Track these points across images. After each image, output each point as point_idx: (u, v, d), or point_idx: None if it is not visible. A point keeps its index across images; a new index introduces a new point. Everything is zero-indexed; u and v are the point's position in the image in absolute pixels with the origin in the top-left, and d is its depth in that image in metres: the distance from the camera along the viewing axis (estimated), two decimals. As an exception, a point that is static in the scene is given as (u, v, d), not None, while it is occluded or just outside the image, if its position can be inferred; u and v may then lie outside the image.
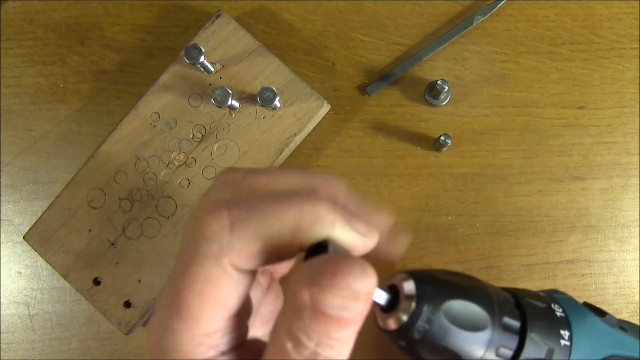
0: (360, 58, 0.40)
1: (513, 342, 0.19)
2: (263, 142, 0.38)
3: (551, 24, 0.40)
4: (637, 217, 0.39)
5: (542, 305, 0.20)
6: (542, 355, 0.19)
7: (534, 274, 0.39)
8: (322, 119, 0.40)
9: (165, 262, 0.37)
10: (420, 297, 0.17)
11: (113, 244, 0.37)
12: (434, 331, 0.17)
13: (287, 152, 0.38)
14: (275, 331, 0.16)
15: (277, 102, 0.36)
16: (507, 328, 0.19)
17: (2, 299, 0.40)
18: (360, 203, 0.19)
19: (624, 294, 0.39)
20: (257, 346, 0.19)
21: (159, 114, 0.38)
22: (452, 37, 0.39)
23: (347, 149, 0.40)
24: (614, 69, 0.40)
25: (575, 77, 0.40)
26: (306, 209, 0.16)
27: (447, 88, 0.38)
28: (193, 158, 0.38)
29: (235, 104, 0.37)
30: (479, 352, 0.18)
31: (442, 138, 0.37)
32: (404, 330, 0.17)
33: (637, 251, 0.39)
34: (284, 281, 0.19)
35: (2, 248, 0.40)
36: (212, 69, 0.37)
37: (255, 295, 0.21)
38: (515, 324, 0.19)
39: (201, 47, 0.35)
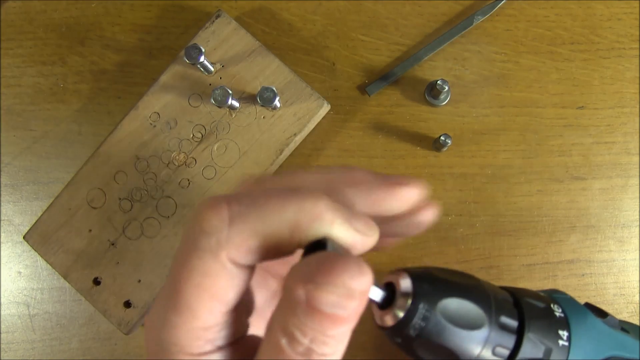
0: (360, 58, 0.40)
1: (510, 341, 0.19)
2: (263, 142, 0.38)
3: (551, 24, 0.40)
4: (637, 217, 0.39)
5: (541, 305, 0.20)
6: (540, 355, 0.19)
7: (534, 274, 0.39)
8: (322, 119, 0.40)
9: (165, 262, 0.37)
10: (416, 294, 0.17)
11: (113, 244, 0.37)
12: (430, 328, 0.17)
13: (287, 152, 0.38)
14: (270, 327, 0.16)
15: (277, 102, 0.36)
16: (504, 327, 0.19)
17: (2, 299, 0.40)
18: (386, 177, 0.19)
19: (624, 294, 0.39)
20: (255, 342, 0.19)
21: (159, 114, 0.38)
22: (452, 37, 0.39)
23: (347, 149, 0.40)
24: (614, 69, 0.40)
25: (575, 77, 0.40)
26: (306, 206, 0.16)
27: (447, 88, 0.38)
28: (193, 158, 0.38)
29: (235, 104, 0.37)
30: (476, 350, 0.18)
31: (442, 138, 0.37)
32: (400, 327, 0.17)
33: (637, 251, 0.39)
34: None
35: (2, 248, 0.40)
36: (212, 69, 0.37)
37: (261, 296, 0.21)
38: (513, 323, 0.19)
39: (201, 47, 0.35)
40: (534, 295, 0.21)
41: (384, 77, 0.39)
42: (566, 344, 0.20)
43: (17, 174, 0.40)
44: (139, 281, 0.37)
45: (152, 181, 0.38)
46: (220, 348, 0.17)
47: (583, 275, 0.39)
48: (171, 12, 0.41)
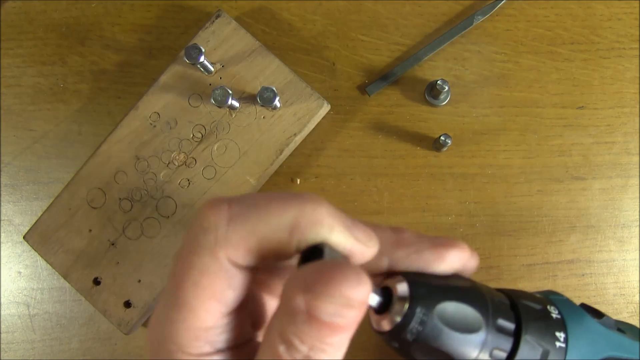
0: (360, 58, 0.40)
1: (507, 343, 0.19)
2: (263, 142, 0.38)
3: (551, 24, 0.40)
4: (637, 217, 0.39)
5: (538, 306, 0.20)
6: (537, 357, 0.19)
7: (534, 274, 0.39)
8: (322, 119, 0.40)
9: (166, 262, 0.37)
10: (413, 298, 0.17)
11: (113, 244, 0.37)
12: (427, 332, 0.17)
13: (287, 152, 0.38)
14: (268, 333, 0.16)
15: (277, 102, 0.36)
16: (501, 330, 0.18)
17: (2, 299, 0.40)
18: (434, 240, 0.19)
19: (624, 294, 0.39)
20: (255, 348, 0.19)
21: (159, 114, 0.38)
22: (452, 37, 0.39)
23: (347, 149, 0.40)
24: (614, 69, 0.40)
25: (575, 77, 0.40)
26: (307, 209, 0.16)
27: (447, 88, 0.38)
28: (193, 158, 0.38)
29: (235, 104, 0.37)
30: (473, 353, 0.18)
31: (442, 138, 0.37)
32: (397, 331, 0.17)
33: (637, 251, 0.39)
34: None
35: (2, 248, 0.40)
36: (212, 69, 0.37)
37: (270, 304, 0.21)
38: (510, 325, 0.19)
39: (201, 47, 0.35)
40: (531, 297, 0.21)
41: (384, 77, 0.39)
42: (563, 345, 0.20)
43: (17, 174, 0.40)
44: (139, 281, 0.37)
45: (152, 181, 0.38)
46: (219, 351, 0.17)
47: (583, 275, 0.39)
48: (171, 12, 0.41)
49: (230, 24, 0.38)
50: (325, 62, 0.40)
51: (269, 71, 0.38)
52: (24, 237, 0.37)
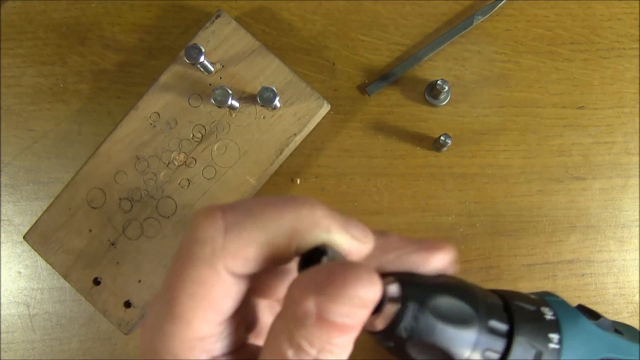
0: (360, 58, 0.40)
1: (500, 344, 0.19)
2: (263, 142, 0.38)
3: (551, 24, 0.40)
4: (637, 217, 0.39)
5: (532, 308, 0.20)
6: (530, 358, 0.19)
7: (534, 274, 0.39)
8: (322, 119, 0.40)
9: (165, 262, 0.37)
10: (405, 297, 0.17)
11: (113, 244, 0.37)
12: (420, 328, 0.17)
13: (287, 152, 0.38)
14: (272, 338, 0.15)
15: (277, 102, 0.36)
16: (493, 331, 0.18)
17: (2, 299, 0.40)
18: (420, 243, 0.20)
19: (624, 294, 0.39)
20: (253, 351, 0.19)
21: (159, 114, 0.38)
22: (452, 37, 0.39)
23: (347, 149, 0.40)
24: (614, 69, 0.40)
25: (575, 77, 0.40)
26: (303, 213, 0.16)
27: (447, 88, 0.38)
28: (193, 158, 0.38)
29: (235, 104, 0.37)
30: (465, 353, 0.18)
31: (442, 138, 0.37)
32: (391, 329, 0.17)
33: (637, 251, 0.39)
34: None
35: (2, 248, 0.40)
36: (212, 69, 0.37)
37: (268, 316, 0.21)
38: (502, 326, 0.19)
39: (201, 47, 0.35)
40: (525, 298, 0.21)
41: (384, 77, 0.39)
42: (557, 347, 0.20)
43: (17, 174, 0.40)
44: (139, 281, 0.37)
45: (152, 181, 0.38)
46: (216, 358, 0.17)
47: (583, 275, 0.39)
48: (171, 12, 0.41)
49: (230, 24, 0.38)
50: (325, 62, 0.40)
51: (269, 71, 0.38)
52: (24, 237, 0.37)
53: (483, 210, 0.39)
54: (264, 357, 0.16)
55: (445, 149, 0.39)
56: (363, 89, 0.40)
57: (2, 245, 0.40)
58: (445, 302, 0.18)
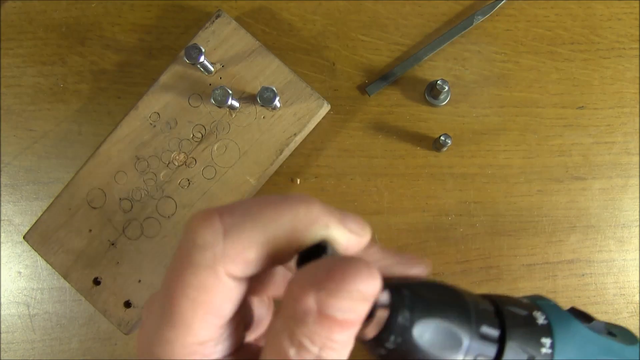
0: (360, 58, 0.40)
1: (491, 350, 0.18)
2: (263, 142, 0.38)
3: (551, 24, 0.40)
4: (637, 217, 0.39)
5: (524, 312, 0.20)
6: None
7: (534, 274, 0.39)
8: (322, 119, 0.40)
9: (165, 262, 0.37)
10: (395, 304, 0.17)
11: (113, 244, 0.37)
12: (411, 335, 0.17)
13: (287, 152, 0.38)
14: (273, 337, 0.15)
15: (277, 102, 0.36)
16: (485, 337, 0.18)
17: (2, 299, 0.40)
18: (400, 257, 0.20)
19: (624, 294, 0.39)
20: (250, 351, 0.19)
21: (159, 114, 0.38)
22: (452, 37, 0.39)
23: (347, 149, 0.40)
24: (614, 69, 0.40)
25: (575, 77, 0.40)
26: (300, 211, 0.16)
27: (447, 88, 0.38)
28: (193, 158, 0.38)
29: (235, 104, 0.37)
30: (457, 358, 0.18)
31: (442, 138, 0.37)
32: (382, 337, 0.17)
33: (637, 251, 0.39)
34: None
35: (2, 248, 0.40)
36: (212, 69, 0.37)
37: (260, 310, 0.21)
38: (494, 332, 0.19)
39: (201, 47, 0.35)
40: (517, 302, 0.21)
41: (384, 77, 0.39)
42: (549, 351, 0.20)
43: (17, 174, 0.40)
44: (139, 281, 0.37)
45: (152, 181, 0.38)
46: None
47: (583, 275, 0.39)
48: (171, 12, 0.41)
49: (230, 24, 0.38)
50: (325, 62, 0.40)
51: (269, 71, 0.38)
52: (24, 237, 0.37)
53: (483, 210, 0.39)
54: (266, 358, 0.16)
55: (445, 149, 0.39)
56: (363, 89, 0.40)
57: (2, 245, 0.40)
58: (437, 311, 0.18)
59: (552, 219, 0.39)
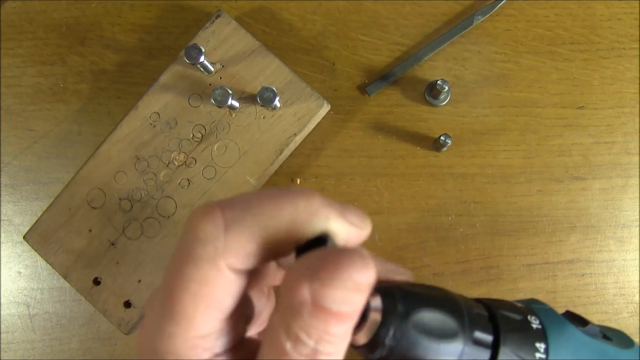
0: (360, 58, 0.40)
1: (485, 356, 0.18)
2: (263, 142, 0.38)
3: (551, 24, 0.40)
4: (637, 217, 0.39)
5: (518, 317, 0.20)
6: None
7: (534, 274, 0.39)
8: (322, 119, 0.40)
9: (166, 262, 0.37)
10: (387, 308, 0.17)
11: (113, 244, 0.37)
12: (403, 343, 0.17)
13: (287, 152, 0.38)
14: (270, 332, 0.15)
15: (277, 102, 0.36)
16: (478, 342, 0.18)
17: (2, 299, 0.40)
18: (387, 265, 0.20)
19: (624, 294, 0.39)
20: (251, 345, 0.19)
21: (159, 114, 0.38)
22: (452, 37, 0.39)
23: (347, 149, 0.40)
24: (614, 69, 0.40)
25: (575, 77, 0.40)
26: (300, 204, 0.16)
27: (447, 88, 0.38)
28: (193, 158, 0.38)
29: (235, 104, 0.37)
30: None
31: (442, 138, 0.37)
32: (375, 342, 0.17)
33: (637, 251, 0.39)
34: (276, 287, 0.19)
35: (2, 248, 0.40)
36: (212, 69, 0.37)
37: (259, 303, 0.21)
38: (487, 337, 0.19)
39: (201, 47, 0.35)
40: (511, 307, 0.21)
41: (384, 77, 0.39)
42: (543, 356, 0.20)
43: (17, 174, 0.40)
44: (139, 281, 0.37)
45: (152, 181, 0.38)
46: (218, 355, 0.17)
47: (583, 275, 0.39)
48: (171, 12, 0.41)
49: (230, 24, 0.38)
50: (325, 62, 0.40)
51: (269, 71, 0.38)
52: (24, 237, 0.37)
53: (483, 210, 0.39)
54: (263, 351, 0.16)
55: (445, 149, 0.39)
56: (363, 89, 0.40)
57: (2, 245, 0.40)
58: (429, 317, 0.18)
59: (552, 219, 0.39)
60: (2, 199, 0.40)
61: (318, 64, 0.40)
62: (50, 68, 0.41)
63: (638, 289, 0.39)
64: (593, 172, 0.39)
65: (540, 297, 0.39)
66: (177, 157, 0.38)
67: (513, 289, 0.39)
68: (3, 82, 0.41)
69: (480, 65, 0.40)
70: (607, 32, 0.40)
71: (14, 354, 0.40)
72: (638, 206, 0.39)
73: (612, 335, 0.24)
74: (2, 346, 0.40)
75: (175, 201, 0.37)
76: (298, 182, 0.40)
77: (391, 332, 0.17)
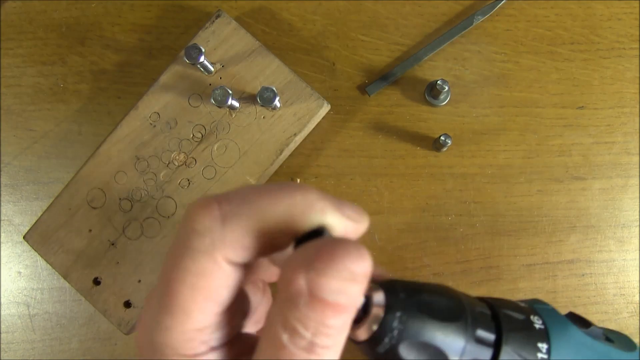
0: (360, 58, 0.40)
1: (487, 355, 0.18)
2: (263, 142, 0.38)
3: (551, 24, 0.40)
4: (637, 217, 0.39)
5: (520, 316, 0.20)
6: None
7: (534, 274, 0.39)
8: (322, 119, 0.40)
9: (165, 262, 0.37)
10: (390, 304, 0.17)
11: (113, 244, 0.37)
12: (405, 339, 0.17)
13: (287, 152, 0.38)
14: (268, 324, 0.15)
15: (277, 102, 0.36)
16: (480, 340, 0.18)
17: (2, 299, 0.40)
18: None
19: (624, 294, 0.39)
20: (248, 340, 0.19)
21: (159, 114, 0.38)
22: (452, 37, 0.39)
23: (347, 149, 0.40)
24: (614, 69, 0.40)
25: (575, 77, 0.40)
26: (297, 198, 0.16)
27: (447, 88, 0.38)
28: (193, 158, 0.38)
29: (235, 104, 0.37)
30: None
31: (442, 138, 0.37)
32: (376, 338, 0.17)
33: (637, 251, 0.39)
34: (273, 285, 0.19)
35: (2, 248, 0.40)
36: (212, 69, 0.37)
37: (255, 297, 0.21)
38: (489, 336, 0.19)
39: (201, 47, 0.35)
40: (514, 306, 0.21)
41: (384, 77, 0.39)
42: (545, 356, 0.19)
43: (17, 174, 0.40)
44: (139, 281, 0.37)
45: (152, 181, 0.38)
46: (214, 348, 0.17)
47: (583, 275, 0.39)
48: (171, 12, 0.41)
49: (230, 24, 0.38)
50: (325, 62, 0.40)
51: (269, 71, 0.38)
52: (24, 237, 0.37)
53: (483, 210, 0.39)
54: (261, 345, 0.16)
55: (445, 149, 0.39)
56: (363, 89, 0.40)
57: (2, 245, 0.40)
58: (431, 309, 0.18)
59: (552, 219, 0.39)
60: (2, 199, 0.40)
61: (318, 64, 0.40)
62: (50, 68, 0.41)
63: (638, 289, 0.39)
64: (593, 172, 0.39)
65: (540, 297, 0.39)
66: (177, 157, 0.38)
67: (513, 289, 0.39)
68: (3, 82, 0.41)
69: (480, 65, 0.40)
70: (607, 32, 0.40)
71: (14, 354, 0.40)
72: (638, 206, 0.39)
73: (614, 338, 0.23)
74: (2, 346, 0.40)
75: (175, 201, 0.37)
76: (298, 182, 0.40)
77: (394, 328, 0.17)
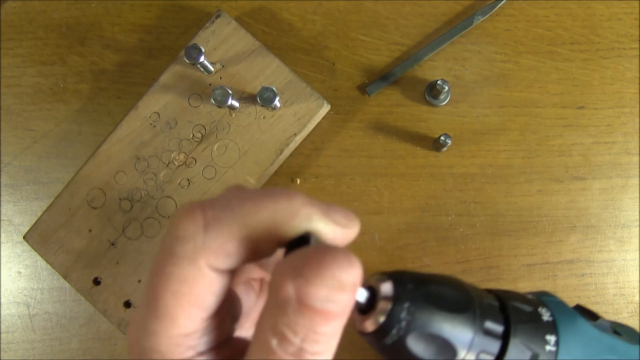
0: (360, 58, 0.40)
1: (495, 346, 0.18)
2: (263, 142, 0.38)
3: (551, 24, 0.40)
4: (637, 217, 0.39)
5: (529, 309, 0.20)
6: None
7: (534, 274, 0.39)
8: (322, 119, 0.40)
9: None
10: (398, 295, 0.17)
11: (113, 244, 0.37)
12: (412, 330, 0.17)
13: (287, 152, 0.38)
14: (259, 329, 0.15)
15: (277, 102, 0.36)
16: (489, 332, 0.18)
17: (2, 299, 0.40)
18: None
19: (624, 294, 0.39)
20: (238, 344, 0.19)
21: (159, 114, 0.38)
22: (452, 37, 0.39)
23: (347, 149, 0.40)
24: (614, 69, 0.40)
25: (575, 77, 0.40)
26: (281, 204, 0.16)
27: (447, 88, 0.38)
28: (193, 158, 0.38)
29: (235, 104, 0.37)
30: (460, 354, 0.18)
31: (442, 138, 0.37)
32: (383, 330, 0.17)
33: (637, 251, 0.39)
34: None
35: (2, 248, 0.40)
36: (212, 69, 0.37)
37: (248, 300, 0.21)
38: (498, 328, 0.19)
39: (201, 47, 0.35)
40: (522, 298, 0.21)
41: (384, 77, 0.39)
42: (553, 349, 0.19)
43: (17, 174, 0.40)
44: (139, 281, 0.37)
45: (152, 181, 0.38)
46: (202, 353, 0.17)
47: (583, 275, 0.39)
48: (171, 12, 0.41)
49: (230, 24, 0.38)
50: (325, 62, 0.40)
51: (269, 71, 0.38)
52: (24, 237, 0.37)
53: (483, 210, 0.39)
54: (251, 348, 0.16)
55: (445, 149, 0.39)
56: (363, 89, 0.40)
57: (2, 245, 0.40)
58: (440, 301, 0.18)
59: (552, 219, 0.39)
60: (2, 199, 0.40)
61: (318, 64, 0.40)
62: (50, 68, 0.41)
63: (638, 289, 0.39)
64: (593, 172, 0.39)
65: (540, 297, 0.39)
66: (177, 157, 0.38)
67: (513, 289, 0.39)
68: (3, 82, 0.41)
69: (480, 65, 0.40)
70: (607, 32, 0.40)
71: (14, 354, 0.40)
72: (638, 206, 0.39)
73: (621, 331, 0.23)
74: (2, 346, 0.40)
75: (175, 201, 0.37)
76: (298, 182, 0.40)
77: (402, 319, 0.17)
